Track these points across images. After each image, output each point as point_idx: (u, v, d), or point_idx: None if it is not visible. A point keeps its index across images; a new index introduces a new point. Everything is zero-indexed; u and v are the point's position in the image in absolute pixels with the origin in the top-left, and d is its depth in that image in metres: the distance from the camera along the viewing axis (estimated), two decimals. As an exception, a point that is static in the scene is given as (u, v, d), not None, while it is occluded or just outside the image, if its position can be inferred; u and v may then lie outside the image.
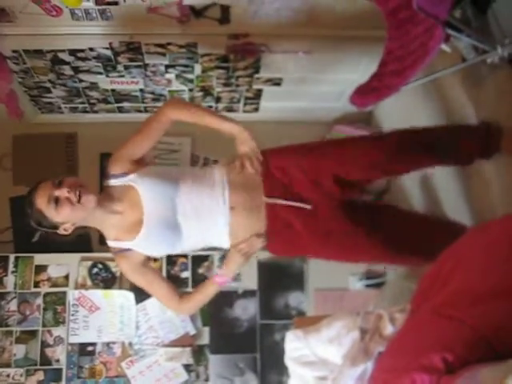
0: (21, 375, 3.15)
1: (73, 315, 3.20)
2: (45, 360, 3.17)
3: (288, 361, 1.97)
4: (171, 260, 3.27)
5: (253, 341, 3.25)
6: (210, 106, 3.45)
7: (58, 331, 3.20)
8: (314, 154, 2.16)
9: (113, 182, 2.06)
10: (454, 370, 1.18)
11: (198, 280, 3.11)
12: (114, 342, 3.19)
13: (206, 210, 2.04)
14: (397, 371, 1.33)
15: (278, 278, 3.30)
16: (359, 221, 2.11)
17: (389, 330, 1.72)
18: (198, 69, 3.02)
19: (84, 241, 3.25)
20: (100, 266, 3.26)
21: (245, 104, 3.49)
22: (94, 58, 2.85)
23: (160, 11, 2.53)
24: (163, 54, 2.85)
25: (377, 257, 2.27)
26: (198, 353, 3.21)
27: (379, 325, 1.76)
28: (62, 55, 2.82)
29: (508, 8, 2.07)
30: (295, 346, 1.94)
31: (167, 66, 2.98)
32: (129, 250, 2.05)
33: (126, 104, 3.44)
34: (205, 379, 3.20)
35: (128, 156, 2.05)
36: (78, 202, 1.92)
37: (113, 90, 3.25)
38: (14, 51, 2.78)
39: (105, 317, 3.20)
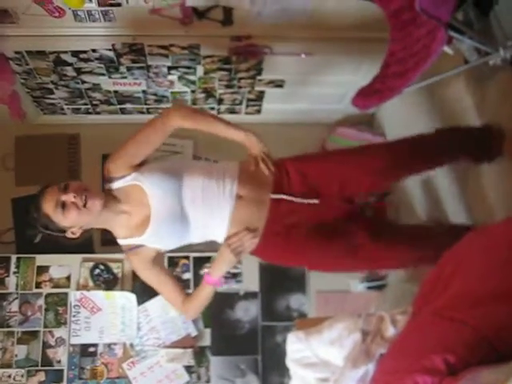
0: (22, 376, 3.15)
1: (74, 316, 3.20)
2: (46, 361, 3.17)
3: (289, 362, 1.97)
4: (173, 261, 3.28)
5: (254, 342, 3.25)
6: (212, 108, 3.45)
7: (59, 332, 3.20)
8: (330, 159, 2.20)
9: (114, 184, 2.05)
10: (456, 372, 1.18)
11: (200, 281, 3.10)
12: (115, 343, 3.19)
13: (213, 197, 2.02)
14: (398, 373, 1.33)
15: (279, 280, 3.30)
16: (361, 229, 2.13)
17: (390, 332, 1.73)
18: (200, 70, 3.02)
19: (86, 242, 3.25)
20: (102, 267, 3.26)
21: (247, 106, 3.49)
22: (97, 59, 2.86)
23: (163, 13, 2.54)
24: (166, 56, 2.85)
25: (377, 264, 2.30)
26: (200, 354, 3.21)
27: (381, 327, 1.76)
28: (64, 56, 2.82)
29: (510, 10, 2.07)
30: (297, 347, 1.94)
31: (170, 68, 2.98)
32: (140, 246, 2.04)
33: (128, 105, 3.44)
34: (206, 381, 3.20)
35: (126, 160, 2.04)
36: (84, 206, 1.93)
37: (115, 92, 3.25)
38: (16, 52, 2.78)
39: (106, 318, 3.20)
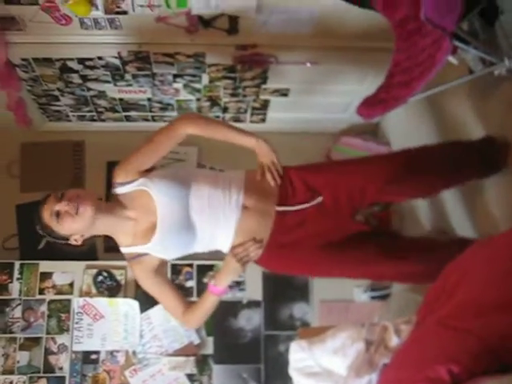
0: (24, 382, 3.15)
1: (77, 323, 3.20)
2: (48, 367, 3.17)
3: (292, 371, 1.96)
4: (176, 269, 3.27)
5: (257, 351, 3.24)
6: (217, 116, 3.46)
7: (61, 339, 3.20)
8: (336, 169, 2.20)
9: (121, 189, 2.04)
10: (460, 382, 1.18)
11: (203, 289, 3.08)
12: (117, 351, 3.19)
13: (219, 206, 2.01)
14: (402, 383, 1.32)
15: (282, 289, 3.30)
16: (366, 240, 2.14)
17: (394, 341, 1.72)
18: (205, 79, 3.03)
19: (89, 249, 3.25)
20: (105, 274, 3.26)
21: (252, 114, 3.50)
22: (103, 66, 2.87)
23: (169, 21, 2.55)
24: (171, 64, 2.86)
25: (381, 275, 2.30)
26: (202, 362, 3.20)
27: (384, 336, 1.75)
28: (70, 63, 2.84)
29: (516, 21, 2.08)
30: (300, 356, 1.93)
31: (175, 76, 2.99)
32: (144, 254, 2.03)
33: (133, 113, 3.45)
34: (208, 389, 3.20)
35: (136, 166, 2.04)
36: (76, 213, 1.94)
37: (120, 99, 3.26)
38: (23, 59, 2.80)
39: (109, 325, 3.20)
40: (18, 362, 3.16)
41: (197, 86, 3.11)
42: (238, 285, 3.25)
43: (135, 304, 3.19)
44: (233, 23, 2.59)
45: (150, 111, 3.42)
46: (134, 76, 2.98)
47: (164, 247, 2.03)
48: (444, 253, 1.88)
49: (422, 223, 3.09)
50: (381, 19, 2.12)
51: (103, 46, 2.71)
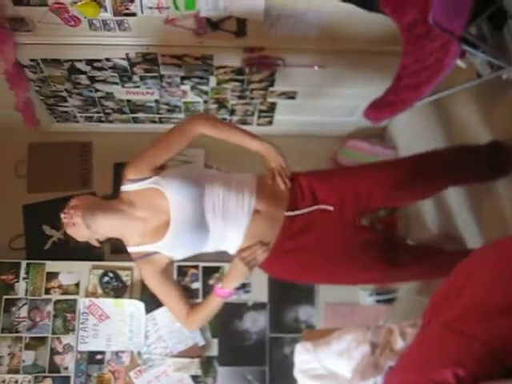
0: (29, 382, 3.16)
1: (82, 323, 3.21)
2: (53, 367, 3.18)
3: (297, 373, 1.96)
4: (182, 271, 3.28)
5: (262, 354, 3.24)
6: (224, 119, 3.46)
7: (67, 339, 3.21)
8: (343, 174, 2.23)
9: (131, 186, 2.05)
10: (466, 386, 1.18)
11: (209, 291, 3.09)
12: (122, 351, 3.20)
13: (233, 208, 2.04)
14: (407, 386, 1.32)
15: (288, 292, 3.30)
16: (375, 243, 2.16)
17: (399, 344, 1.71)
18: (213, 81, 3.04)
19: (95, 249, 3.27)
20: (111, 274, 3.27)
21: (259, 117, 3.50)
22: (111, 68, 2.88)
23: (177, 23, 2.56)
24: (179, 66, 2.87)
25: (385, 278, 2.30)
26: (207, 364, 3.20)
27: (390, 339, 1.75)
28: (78, 65, 2.85)
29: (524, 25, 2.08)
30: (305, 358, 1.93)
31: (183, 78, 2.99)
32: (153, 253, 2.04)
33: (140, 114, 3.46)
34: (213, 391, 3.20)
35: (149, 162, 2.05)
36: (73, 224, 1.99)
37: (128, 101, 3.27)
38: (31, 60, 2.81)
39: (114, 325, 3.21)
40: (24, 361, 3.17)
41: (204, 88, 3.11)
42: (243, 287, 3.25)
43: (141, 305, 3.20)
44: (241, 26, 2.59)
45: (158, 113, 3.43)
46: (142, 78, 2.99)
47: (175, 245, 2.03)
48: (447, 262, 1.88)
49: (429, 227, 3.08)
50: (388, 23, 2.13)
51: (111, 47, 2.72)
